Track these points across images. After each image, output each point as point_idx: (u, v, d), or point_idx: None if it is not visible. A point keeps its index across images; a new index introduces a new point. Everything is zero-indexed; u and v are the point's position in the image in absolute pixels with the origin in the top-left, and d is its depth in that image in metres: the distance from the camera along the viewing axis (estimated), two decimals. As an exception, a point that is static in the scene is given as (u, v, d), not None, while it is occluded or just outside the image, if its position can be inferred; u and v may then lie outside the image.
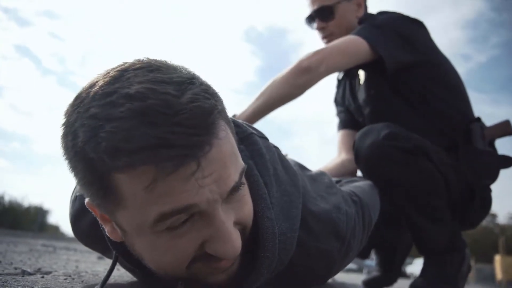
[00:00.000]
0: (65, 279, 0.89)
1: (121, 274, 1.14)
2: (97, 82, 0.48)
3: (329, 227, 0.71)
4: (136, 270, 0.74)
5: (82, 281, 0.88)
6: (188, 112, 0.43)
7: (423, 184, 1.12)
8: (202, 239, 0.49)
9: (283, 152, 0.77)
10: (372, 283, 1.58)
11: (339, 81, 1.63)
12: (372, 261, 1.71)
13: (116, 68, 0.49)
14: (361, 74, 1.42)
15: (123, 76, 0.47)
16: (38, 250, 2.48)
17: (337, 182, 1.04)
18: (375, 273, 1.60)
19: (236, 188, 0.49)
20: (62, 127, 0.48)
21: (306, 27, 1.51)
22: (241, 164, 0.52)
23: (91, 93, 0.46)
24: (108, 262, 1.92)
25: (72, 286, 0.75)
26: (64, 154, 0.48)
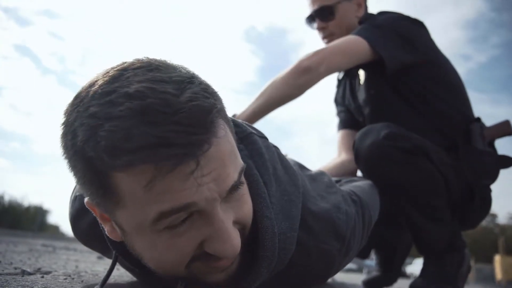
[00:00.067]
0: (65, 279, 0.89)
1: (121, 274, 1.14)
2: (96, 81, 0.48)
3: (329, 227, 0.71)
4: (135, 270, 0.74)
5: (82, 281, 0.88)
6: (187, 111, 0.43)
7: (423, 184, 1.12)
8: (201, 238, 0.49)
9: (283, 152, 0.77)
10: (372, 283, 1.58)
11: (339, 81, 1.63)
12: (372, 261, 1.71)
13: (116, 67, 0.49)
14: (361, 74, 1.42)
15: (122, 76, 0.47)
16: (38, 250, 2.48)
17: (337, 181, 1.04)
18: (375, 273, 1.60)
19: (235, 187, 0.49)
20: (62, 127, 0.49)
21: (306, 27, 1.51)
22: (240, 163, 0.52)
23: (91, 93, 0.46)
24: (108, 262, 1.92)
25: (72, 286, 0.75)
26: (64, 153, 0.48)
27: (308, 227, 0.68)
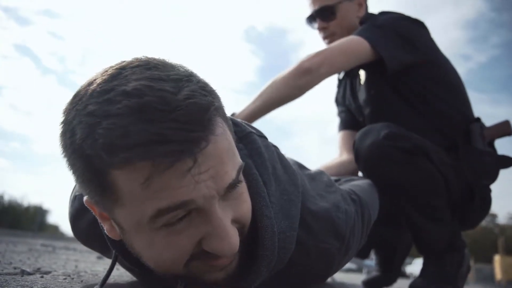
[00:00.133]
0: (65, 279, 0.89)
1: (121, 274, 1.13)
2: (95, 80, 0.48)
3: (329, 226, 0.71)
4: (135, 269, 0.74)
5: (82, 281, 0.88)
6: (184, 109, 0.43)
7: (423, 184, 1.12)
8: (200, 236, 0.49)
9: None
10: (371, 283, 1.58)
11: (340, 81, 1.63)
12: (371, 261, 1.71)
13: (115, 66, 0.50)
14: (362, 74, 1.42)
15: (120, 74, 0.47)
16: (37, 250, 2.48)
17: (336, 181, 1.04)
18: (374, 273, 1.60)
19: (233, 185, 0.49)
20: (61, 125, 0.49)
21: (306, 26, 1.50)
22: (238, 161, 0.52)
23: (89, 91, 0.47)
24: (108, 262, 1.92)
25: (71, 286, 0.75)
26: (63, 152, 0.48)
27: (308, 227, 0.68)
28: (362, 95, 1.41)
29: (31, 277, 0.86)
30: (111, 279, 0.93)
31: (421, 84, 1.28)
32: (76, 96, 0.49)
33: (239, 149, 0.59)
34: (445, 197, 1.15)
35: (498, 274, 13.93)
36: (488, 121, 1.28)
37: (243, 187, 0.54)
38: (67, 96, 0.51)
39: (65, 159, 0.49)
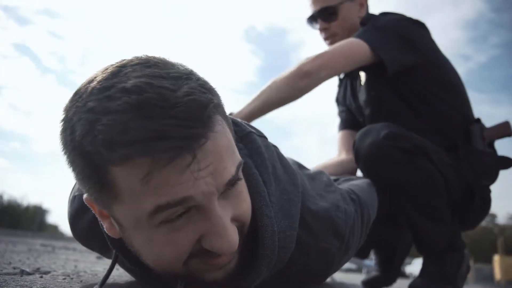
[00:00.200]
0: (64, 278, 0.89)
1: (120, 274, 1.13)
2: (95, 77, 0.49)
3: (328, 226, 0.72)
4: (135, 270, 0.74)
5: (81, 281, 0.87)
6: (183, 105, 0.44)
7: (423, 184, 1.12)
8: (199, 233, 0.49)
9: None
10: (371, 283, 1.58)
11: (341, 81, 1.63)
12: (371, 261, 1.71)
13: (115, 64, 0.50)
14: (362, 74, 1.42)
15: (121, 72, 0.47)
16: (37, 250, 2.48)
17: (335, 180, 1.05)
18: (374, 273, 1.60)
19: (232, 182, 0.50)
20: (61, 123, 0.49)
21: (306, 26, 1.50)
22: (238, 158, 0.52)
23: (89, 88, 0.47)
24: (107, 261, 1.91)
25: (71, 286, 0.75)
26: (63, 149, 0.49)
27: (308, 226, 0.69)
28: (362, 96, 1.41)
29: (31, 277, 0.86)
30: (110, 279, 0.93)
31: (422, 85, 1.28)
32: (76, 93, 0.49)
33: (239, 149, 0.59)
34: (445, 197, 1.16)
35: (498, 274, 13.95)
36: (488, 121, 1.28)
37: (242, 185, 0.54)
38: (67, 96, 0.51)
39: (65, 156, 0.49)
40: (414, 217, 1.15)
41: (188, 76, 0.48)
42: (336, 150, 1.59)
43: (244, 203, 0.54)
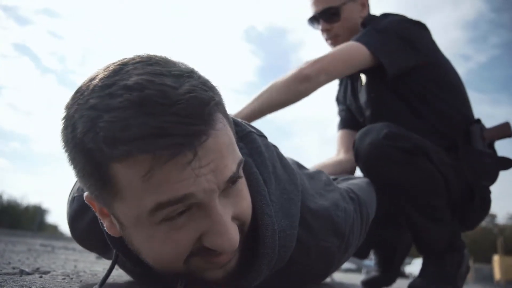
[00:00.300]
0: (64, 278, 0.89)
1: (120, 274, 1.13)
2: (97, 75, 0.49)
3: (328, 224, 0.72)
4: (135, 270, 0.74)
5: (81, 281, 0.87)
6: (185, 103, 0.44)
7: (423, 184, 1.12)
8: (200, 231, 0.49)
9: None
10: (371, 283, 1.58)
11: (341, 80, 1.63)
12: (371, 261, 1.71)
13: (116, 62, 0.50)
14: (363, 75, 1.42)
15: (122, 70, 0.48)
16: (36, 250, 2.48)
17: (334, 179, 1.05)
18: (374, 273, 1.60)
19: (233, 179, 0.50)
20: (63, 121, 0.49)
21: (306, 26, 1.50)
22: (238, 156, 0.52)
23: (91, 86, 0.47)
24: (107, 261, 1.91)
25: (70, 286, 0.75)
26: (64, 147, 0.49)
27: (308, 225, 0.69)
28: (362, 97, 1.41)
29: (30, 277, 0.86)
30: (110, 279, 0.93)
31: (422, 85, 1.29)
32: (78, 91, 0.49)
33: (240, 148, 0.59)
34: (445, 197, 1.16)
35: (497, 274, 13.96)
36: (488, 121, 1.28)
37: (243, 184, 0.54)
38: (67, 96, 0.51)
39: (66, 154, 0.49)
40: (414, 217, 1.15)
41: (189, 74, 0.48)
42: (335, 149, 1.59)
43: (244, 201, 0.54)
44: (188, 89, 0.45)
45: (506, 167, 1.25)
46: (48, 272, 1.04)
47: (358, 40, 1.25)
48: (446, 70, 1.34)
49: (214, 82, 0.51)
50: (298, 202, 0.67)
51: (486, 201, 1.26)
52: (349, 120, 1.58)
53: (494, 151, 1.27)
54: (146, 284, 0.77)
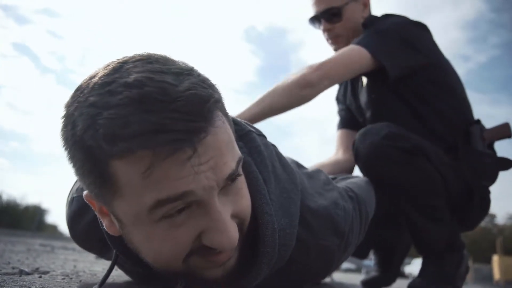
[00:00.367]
0: (63, 278, 0.88)
1: (120, 274, 1.13)
2: (97, 73, 0.49)
3: (328, 223, 0.72)
4: (134, 270, 0.74)
5: (80, 281, 0.87)
6: (184, 99, 0.44)
7: (423, 184, 1.12)
8: (199, 229, 0.49)
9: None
10: (370, 283, 1.58)
11: None
12: (370, 261, 1.71)
13: (116, 61, 0.50)
14: (364, 77, 1.42)
15: (122, 67, 0.48)
16: (36, 250, 2.47)
17: (333, 179, 1.05)
18: (373, 273, 1.60)
19: (232, 177, 0.50)
20: (62, 119, 0.49)
21: (306, 26, 1.51)
22: (238, 153, 0.52)
23: (91, 84, 0.47)
24: (106, 261, 1.91)
25: (70, 286, 0.75)
26: (64, 145, 0.49)
27: (307, 224, 0.69)
28: (363, 97, 1.41)
29: (30, 277, 0.86)
30: (110, 279, 0.93)
31: (422, 86, 1.29)
32: (78, 89, 0.49)
33: (239, 147, 0.59)
34: (444, 197, 1.16)
35: (497, 274, 13.95)
36: (487, 122, 1.29)
37: (242, 182, 0.54)
38: (67, 95, 0.51)
39: (65, 152, 0.49)
40: (414, 217, 1.15)
41: (189, 72, 0.48)
42: (334, 149, 1.59)
43: (244, 200, 0.54)
44: (188, 87, 0.45)
45: (505, 168, 1.25)
46: (48, 272, 1.03)
47: (359, 43, 1.25)
48: (446, 71, 1.34)
49: (213, 80, 0.52)
50: (297, 201, 0.67)
51: (485, 201, 1.26)
52: (349, 120, 1.58)
53: (494, 152, 1.28)
54: (145, 284, 0.77)
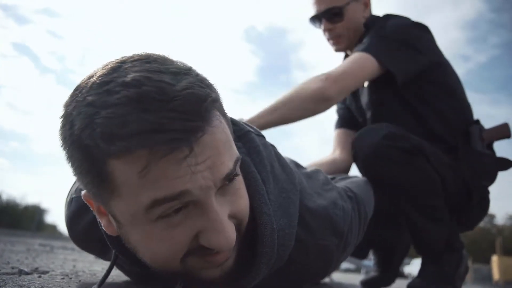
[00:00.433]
0: (63, 278, 0.88)
1: (119, 273, 1.13)
2: (95, 73, 0.49)
3: (327, 223, 0.72)
4: (133, 271, 0.74)
5: (80, 281, 0.87)
6: (182, 99, 0.44)
7: (422, 184, 1.12)
8: (196, 229, 0.49)
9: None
10: (370, 283, 1.58)
11: None
12: (370, 261, 1.71)
13: (115, 60, 0.50)
14: None
15: (120, 67, 0.48)
16: (35, 250, 2.47)
17: (332, 179, 1.05)
18: (373, 273, 1.60)
19: (230, 177, 0.50)
20: (61, 118, 0.49)
21: (306, 26, 1.51)
22: (235, 153, 0.52)
23: (89, 83, 0.47)
24: (106, 261, 1.91)
25: (69, 286, 0.75)
26: (62, 144, 0.49)
27: (306, 224, 0.69)
28: (364, 98, 1.42)
29: (29, 277, 0.86)
30: (109, 279, 0.93)
31: (423, 87, 1.29)
32: (76, 89, 0.50)
33: (238, 147, 0.59)
34: (443, 197, 1.16)
35: (496, 274, 13.96)
36: (487, 122, 1.29)
37: (240, 182, 0.54)
38: (66, 95, 0.51)
39: (64, 151, 0.49)
40: (414, 217, 1.15)
41: (187, 72, 0.48)
42: (332, 148, 1.58)
43: (241, 200, 0.54)
44: (186, 86, 0.45)
45: (505, 168, 1.25)
46: (47, 272, 1.03)
47: (366, 50, 1.24)
48: (447, 71, 1.35)
49: (211, 80, 0.52)
50: (296, 201, 0.67)
51: (485, 202, 1.26)
52: (348, 119, 1.58)
53: (493, 152, 1.28)
54: (144, 284, 0.77)
